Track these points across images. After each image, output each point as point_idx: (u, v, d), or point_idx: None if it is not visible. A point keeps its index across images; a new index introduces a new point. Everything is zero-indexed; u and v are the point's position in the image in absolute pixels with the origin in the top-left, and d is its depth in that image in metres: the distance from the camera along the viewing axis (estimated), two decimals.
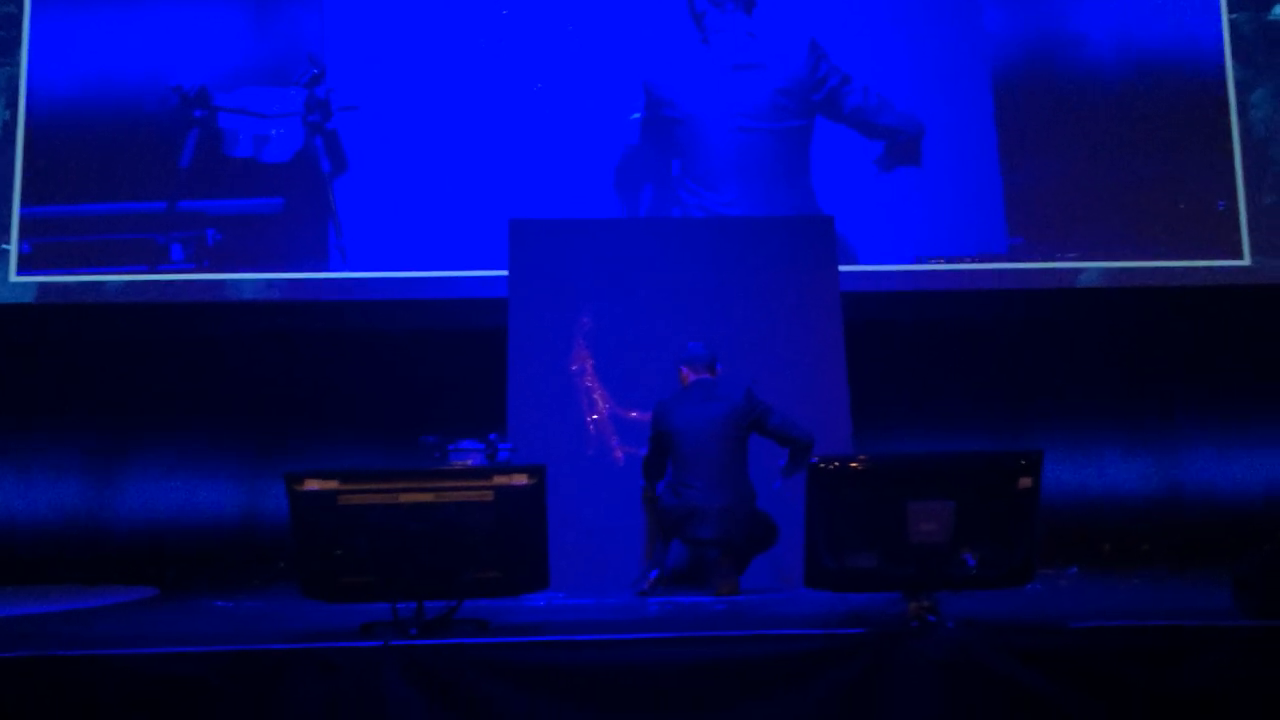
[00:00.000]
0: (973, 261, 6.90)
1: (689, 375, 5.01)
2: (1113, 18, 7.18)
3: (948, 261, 6.89)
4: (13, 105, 6.88)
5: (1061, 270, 6.93)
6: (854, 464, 3.49)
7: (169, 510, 6.68)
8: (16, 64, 6.90)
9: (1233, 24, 7.22)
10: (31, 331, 6.77)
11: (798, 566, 3.57)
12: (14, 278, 6.76)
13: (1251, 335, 7.02)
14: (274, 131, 6.89)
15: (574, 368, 5.46)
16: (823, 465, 3.44)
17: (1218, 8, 7.20)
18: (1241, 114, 7.14)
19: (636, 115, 6.91)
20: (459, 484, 3.51)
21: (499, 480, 3.50)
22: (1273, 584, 3.31)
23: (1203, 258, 6.97)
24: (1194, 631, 3.21)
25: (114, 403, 6.77)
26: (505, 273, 5.75)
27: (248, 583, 5.71)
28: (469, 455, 5.05)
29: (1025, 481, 3.46)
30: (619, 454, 5.35)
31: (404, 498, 3.43)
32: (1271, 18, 7.24)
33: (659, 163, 6.89)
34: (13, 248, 6.76)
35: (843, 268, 5.81)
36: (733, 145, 6.88)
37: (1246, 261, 7.00)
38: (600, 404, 5.42)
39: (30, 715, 3.11)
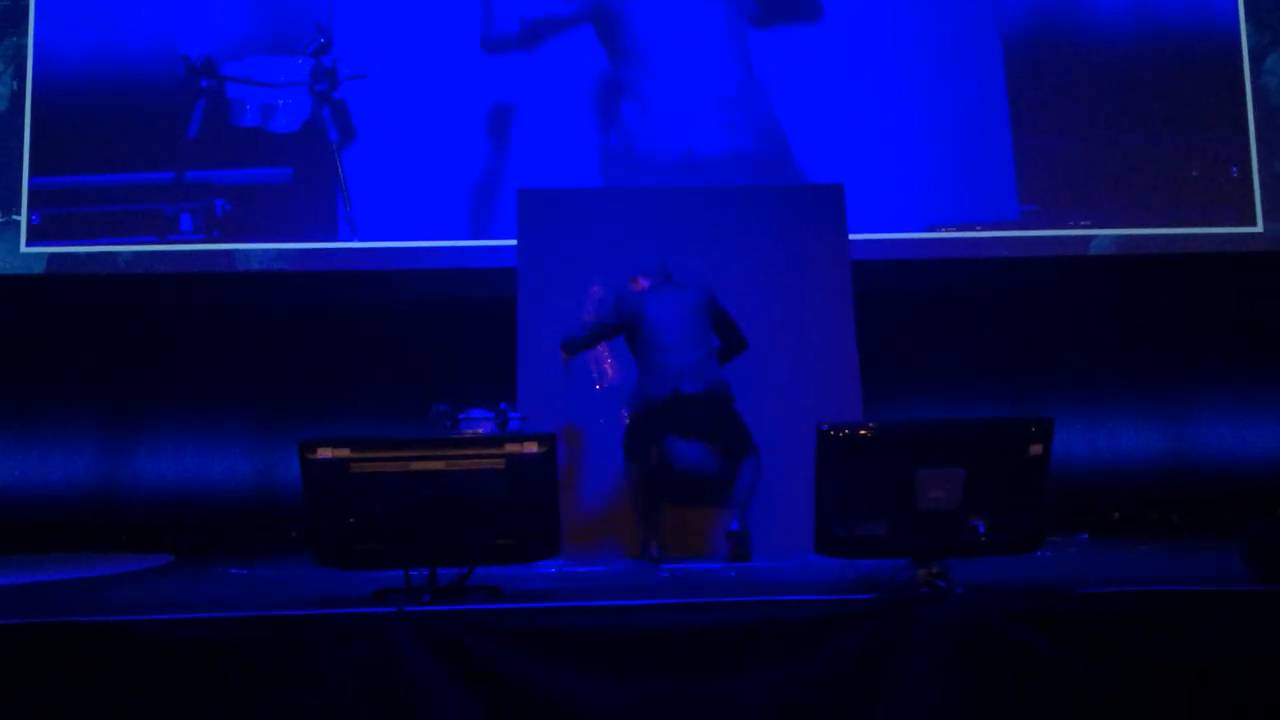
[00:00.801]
0: (984, 229, 6.87)
1: (644, 282, 5.10)
2: None
3: (958, 229, 6.86)
4: (20, 76, 6.87)
5: (1073, 238, 6.89)
6: (863, 431, 3.50)
7: (182, 479, 6.72)
8: (24, 34, 6.88)
9: None
10: (42, 302, 6.79)
11: (807, 534, 3.58)
12: (24, 249, 6.77)
13: (1264, 302, 6.98)
14: (281, 101, 6.87)
15: None
16: (832, 432, 3.44)
17: None
18: (1255, 80, 7.07)
19: None
20: (471, 452, 3.53)
21: (511, 448, 3.52)
22: None
23: (1216, 224, 6.93)
24: (1204, 596, 3.21)
25: (125, 373, 6.80)
26: (515, 242, 5.74)
27: (262, 550, 5.76)
28: (480, 424, 5.06)
29: (1035, 449, 3.46)
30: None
31: (416, 465, 3.45)
32: None
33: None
34: (22, 219, 6.77)
35: (853, 236, 5.77)
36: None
37: (1259, 228, 6.95)
38: (609, 373, 5.42)
39: (45, 681, 3.15)
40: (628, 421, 5.04)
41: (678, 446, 5.12)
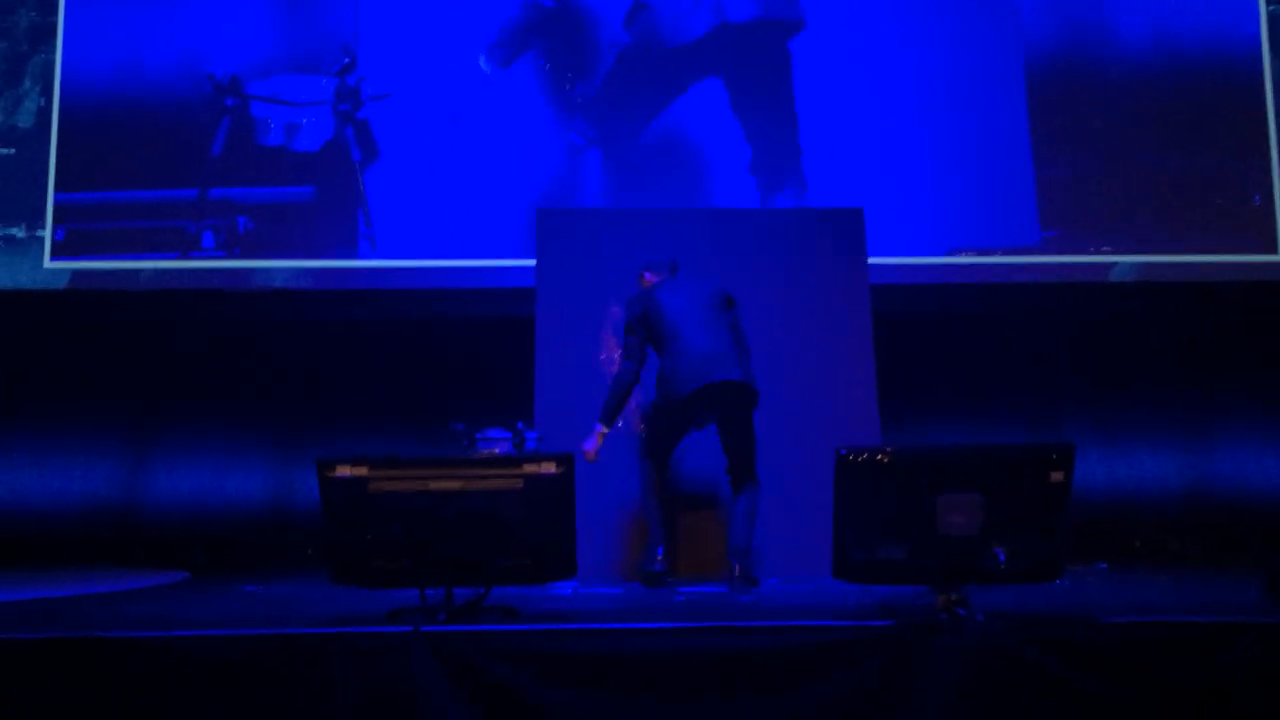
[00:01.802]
0: (1004, 254, 6.85)
1: (652, 278, 5.05)
2: (1148, 9, 7.11)
3: (979, 254, 6.85)
4: (48, 93, 6.95)
5: (1094, 264, 6.87)
6: (882, 456, 3.47)
7: (200, 496, 6.74)
8: (52, 51, 6.97)
9: (1271, 16, 7.13)
10: (65, 318, 6.85)
11: (822, 557, 3.56)
12: (48, 264, 6.83)
13: None
14: (305, 120, 6.93)
15: (602, 357, 5.46)
16: (851, 457, 3.42)
17: None
18: (1277, 107, 7.05)
19: None
20: (489, 472, 3.52)
21: (528, 468, 3.51)
22: None
23: (1237, 252, 6.90)
24: (1226, 626, 3.17)
25: (146, 389, 6.84)
26: (534, 262, 5.76)
27: (278, 568, 5.76)
28: (497, 444, 5.07)
29: (1057, 475, 3.43)
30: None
31: (434, 485, 3.45)
32: None
33: None
34: (47, 234, 6.83)
35: (872, 260, 5.77)
36: None
37: None
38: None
39: (59, 696, 3.15)
40: (651, 415, 4.93)
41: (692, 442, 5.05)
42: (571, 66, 6.97)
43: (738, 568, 4.59)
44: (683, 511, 5.20)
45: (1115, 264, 6.87)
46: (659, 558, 4.78)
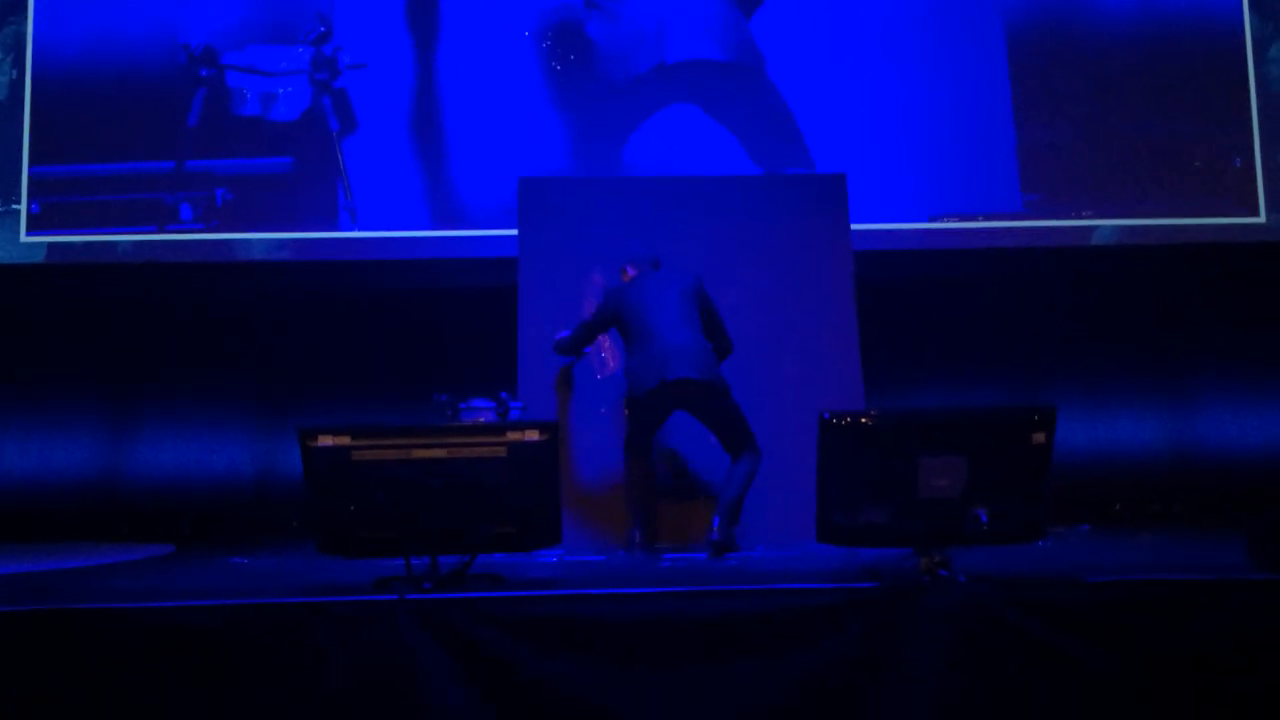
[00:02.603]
0: (986, 219, 6.85)
1: (632, 272, 5.06)
2: None
3: (961, 219, 6.85)
4: (20, 64, 6.84)
5: (1076, 228, 6.87)
6: (865, 419, 3.48)
7: (182, 469, 6.71)
8: (23, 22, 6.86)
9: None
10: (42, 291, 6.78)
11: (806, 522, 3.58)
12: (24, 238, 6.76)
13: (1267, 292, 6.97)
14: (281, 90, 6.85)
15: None
16: (834, 420, 3.43)
17: None
18: (1259, 69, 7.05)
19: None
20: (473, 440, 3.51)
21: (512, 436, 3.50)
22: None
23: (1218, 215, 6.92)
24: (1208, 585, 3.20)
25: (125, 362, 6.79)
26: (515, 232, 5.73)
27: (262, 540, 5.75)
28: (480, 414, 5.05)
29: (1038, 437, 3.45)
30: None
31: (417, 453, 3.44)
32: None
33: None
34: (22, 208, 6.76)
35: (854, 226, 5.76)
36: None
37: (1262, 219, 6.94)
38: (610, 362, 5.41)
39: (45, 668, 3.14)
40: (626, 409, 4.99)
41: (680, 440, 5.09)
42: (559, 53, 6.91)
43: (718, 525, 4.63)
44: (669, 500, 5.20)
45: (1097, 228, 6.88)
46: (636, 541, 4.83)
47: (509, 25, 6.89)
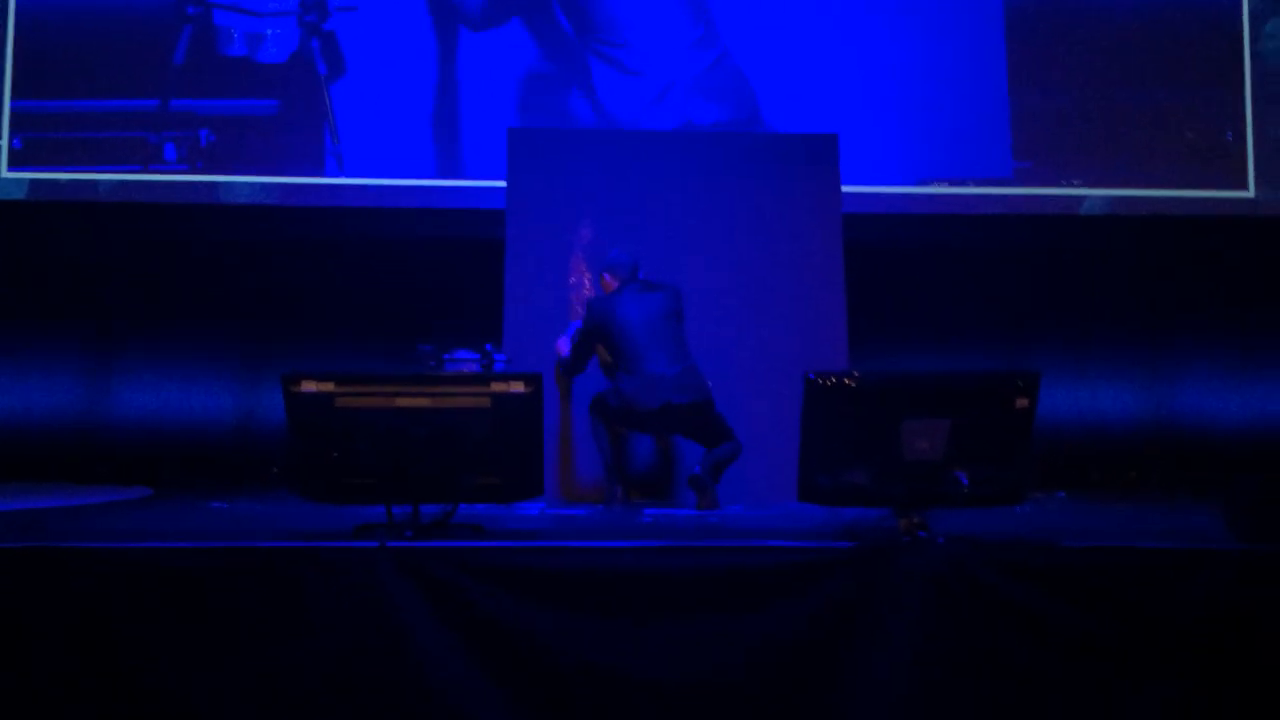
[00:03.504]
0: (976, 185, 6.83)
1: (612, 282, 5.00)
2: None
3: (951, 184, 6.83)
4: None
5: (1065, 197, 6.87)
6: (849, 380, 3.49)
7: (163, 412, 6.68)
8: None
9: None
10: (23, 228, 6.70)
11: (788, 482, 3.59)
12: (5, 173, 6.66)
13: (1252, 267, 7.00)
14: (269, 31, 6.75)
15: (571, 280, 5.42)
16: (819, 381, 3.43)
17: None
18: (1255, 44, 7.03)
19: None
20: (457, 390, 3.51)
21: (496, 387, 3.50)
22: (1266, 509, 3.33)
23: (1208, 188, 6.92)
24: (1185, 553, 3.24)
25: (107, 303, 6.74)
26: (504, 183, 5.68)
27: (243, 485, 5.74)
28: (464, 365, 5.04)
29: (1022, 402, 3.46)
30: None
31: (401, 402, 3.43)
32: None
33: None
34: (3, 143, 6.65)
35: (845, 188, 5.74)
36: None
37: (1251, 193, 6.95)
38: None
39: (22, 606, 3.13)
40: (611, 404, 4.88)
41: (650, 454, 5.20)
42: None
43: (700, 466, 4.70)
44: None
45: (1086, 197, 6.88)
46: (617, 497, 4.86)
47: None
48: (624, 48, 6.71)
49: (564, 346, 5.06)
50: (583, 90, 6.73)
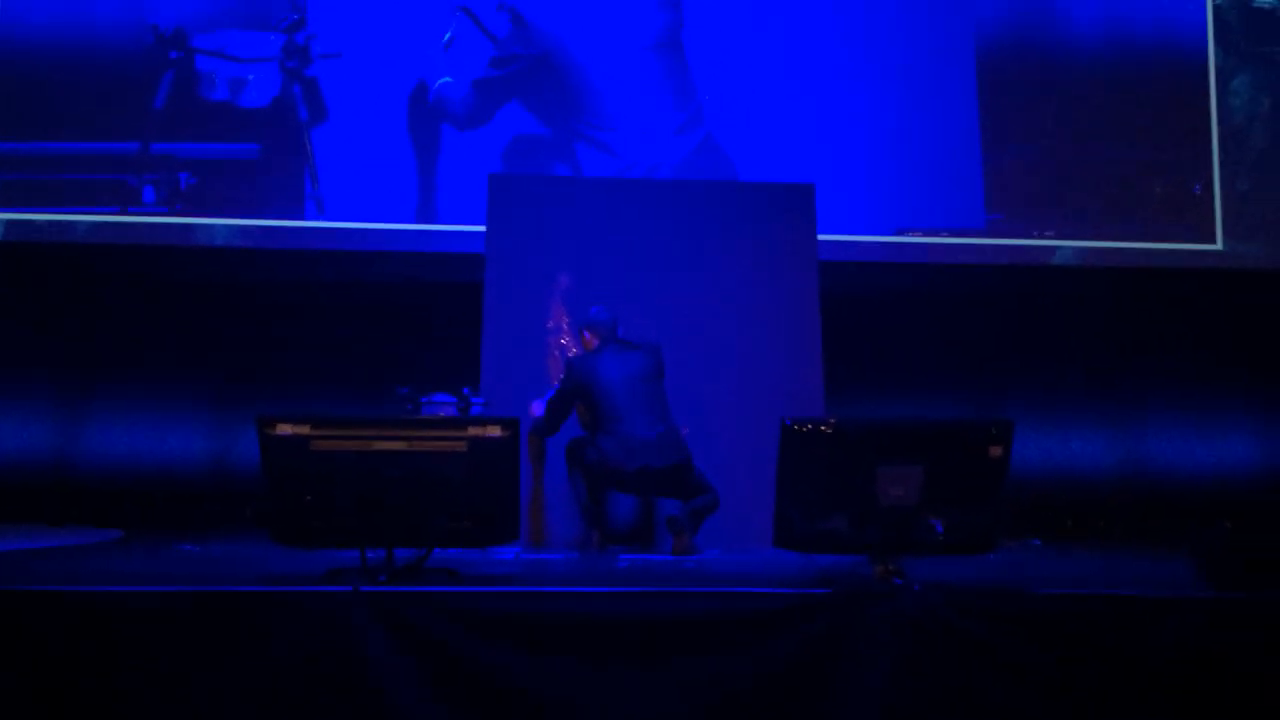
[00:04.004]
0: (950, 235, 6.93)
1: (593, 340, 5.00)
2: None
3: (925, 234, 6.92)
4: None
5: (1037, 248, 6.97)
6: (824, 427, 3.51)
7: (137, 454, 6.62)
8: None
9: (1216, 10, 7.26)
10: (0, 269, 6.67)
11: (764, 527, 3.60)
12: None
13: (1220, 318, 7.11)
14: (251, 76, 6.79)
15: (549, 326, 5.43)
16: (795, 427, 3.45)
17: None
18: (1221, 100, 7.19)
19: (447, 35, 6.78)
20: (433, 433, 3.50)
21: (473, 431, 3.50)
22: (1234, 558, 3.37)
23: (1177, 240, 7.04)
24: (1156, 601, 3.26)
25: (82, 344, 6.70)
26: (483, 228, 5.71)
27: (216, 528, 5.69)
28: (442, 409, 5.04)
29: (995, 450, 3.50)
30: None
31: (377, 445, 3.42)
32: (1255, 5, 7.27)
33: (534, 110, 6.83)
34: None
35: (821, 237, 5.81)
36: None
37: (1219, 246, 7.07)
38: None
39: None
40: (589, 460, 4.85)
41: (630, 509, 5.19)
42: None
43: (680, 510, 4.72)
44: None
45: (1058, 248, 6.98)
46: (592, 543, 4.87)
47: (482, 18, 6.87)
48: (610, 132, 6.79)
49: (538, 408, 5.03)
50: (568, 166, 6.80)
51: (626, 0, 6.88)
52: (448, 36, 6.65)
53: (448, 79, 6.75)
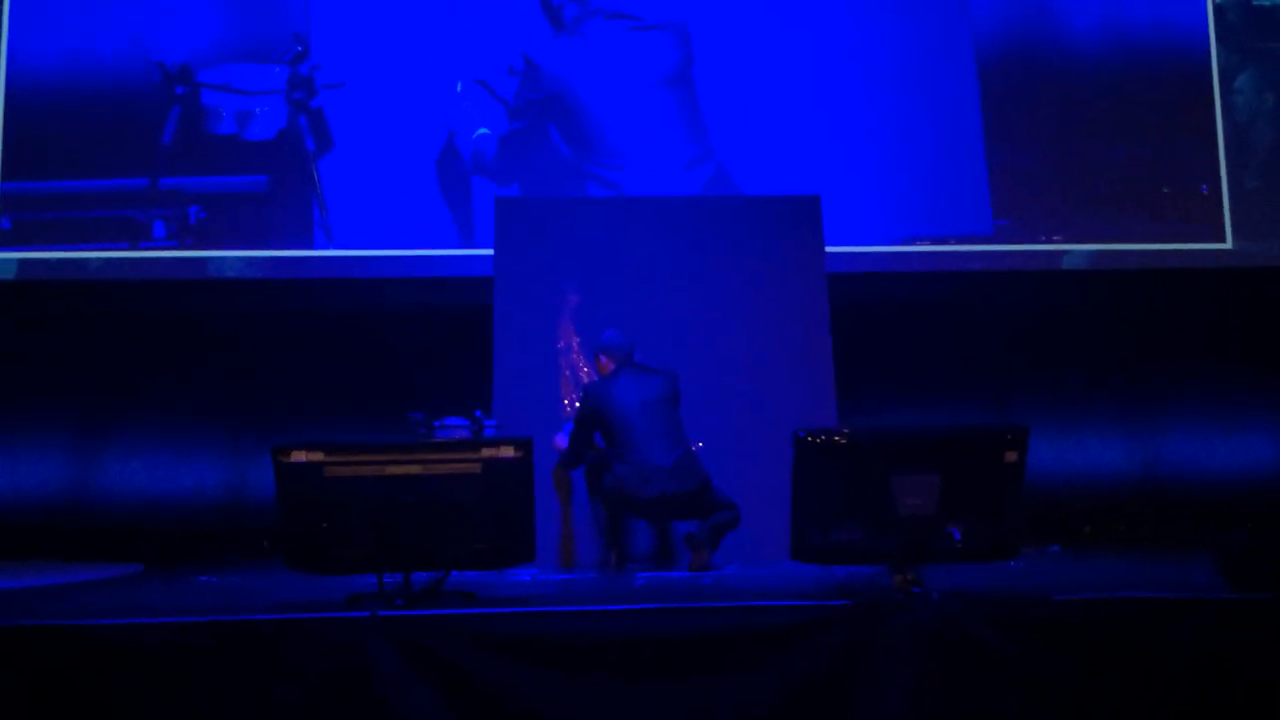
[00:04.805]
0: (958, 243, 6.92)
1: (608, 364, 5.00)
2: (1098, 1, 7.20)
3: (933, 242, 6.91)
4: None
5: (1046, 252, 6.95)
6: (839, 438, 3.50)
7: (153, 487, 6.63)
8: None
9: (1217, 9, 7.25)
10: (13, 308, 6.71)
11: (781, 541, 3.59)
12: None
13: (1232, 318, 7.07)
14: (257, 109, 6.84)
15: (560, 345, 5.45)
16: (809, 438, 3.45)
17: None
18: (1225, 98, 7.18)
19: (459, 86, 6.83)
20: (446, 456, 3.51)
21: (486, 453, 3.50)
22: (1254, 560, 3.35)
23: (1186, 240, 7.01)
24: (1178, 604, 3.23)
25: (97, 380, 6.72)
26: (491, 251, 5.73)
27: (233, 560, 5.70)
28: (455, 432, 5.04)
29: (1011, 456, 3.48)
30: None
31: (391, 470, 3.43)
32: (1256, 2, 7.26)
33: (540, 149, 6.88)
34: None
35: (829, 248, 5.81)
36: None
37: (1229, 245, 7.04)
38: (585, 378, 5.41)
39: (10, 686, 3.09)
40: (607, 486, 4.86)
41: (648, 532, 5.17)
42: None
43: (698, 528, 4.69)
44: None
45: (1067, 252, 6.96)
46: (610, 564, 4.88)
47: (486, 43, 6.91)
48: (620, 171, 6.80)
49: (562, 441, 5.03)
50: None
51: (636, 38, 6.91)
52: (460, 87, 6.70)
53: (485, 131, 6.79)
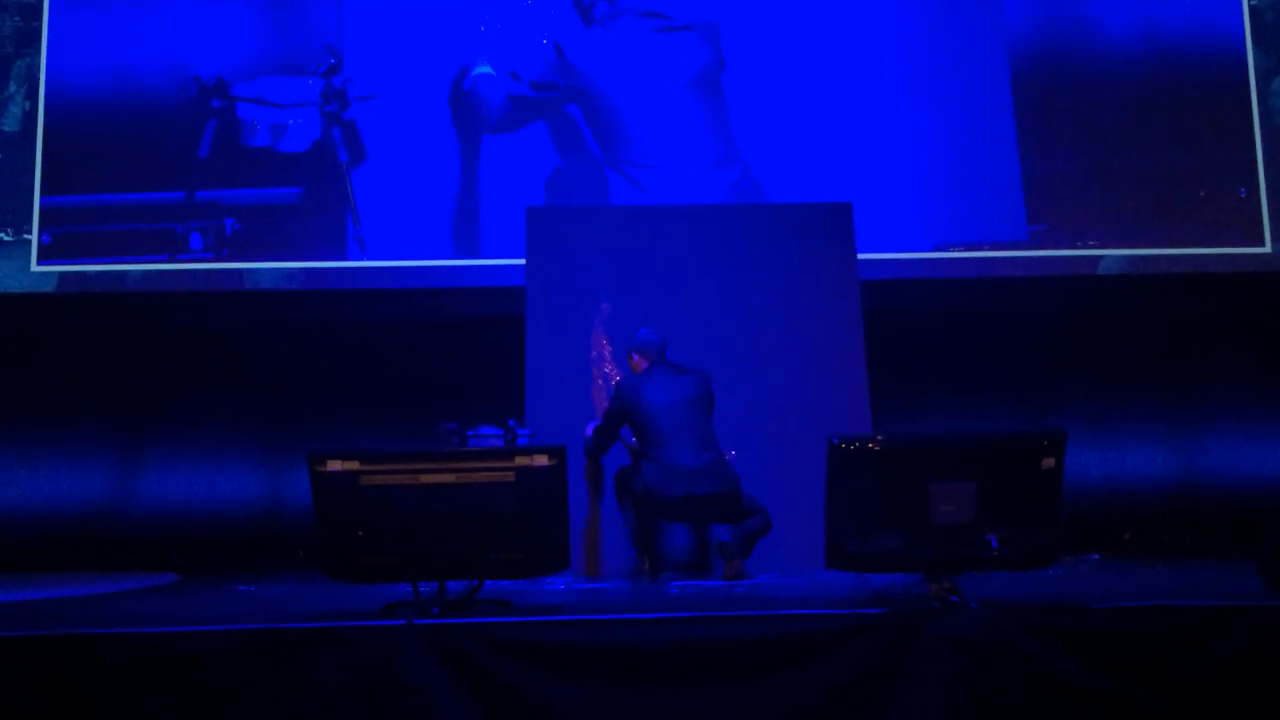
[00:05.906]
0: (992, 249, 6.87)
1: (641, 362, 4.99)
2: (1132, 4, 7.14)
3: (967, 249, 6.86)
4: (33, 96, 6.92)
5: (1082, 258, 6.89)
6: (874, 445, 3.48)
7: (191, 497, 6.70)
8: (37, 54, 6.94)
9: (1253, 11, 7.18)
10: (52, 321, 6.81)
11: (816, 549, 3.57)
12: (35, 267, 6.80)
13: (1271, 321, 6.97)
14: (291, 121, 6.91)
15: (592, 354, 5.45)
16: (843, 446, 3.42)
17: None
18: (1262, 101, 7.10)
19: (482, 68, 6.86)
20: (481, 465, 3.51)
21: (520, 461, 3.50)
22: None
23: (1223, 244, 6.93)
24: (1221, 611, 3.18)
25: (135, 391, 6.81)
26: (523, 260, 5.75)
27: (270, 569, 5.73)
28: (488, 441, 5.06)
29: (1048, 462, 3.44)
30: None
31: (426, 478, 3.43)
32: None
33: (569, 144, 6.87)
34: (33, 238, 6.80)
35: (862, 256, 5.79)
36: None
37: (1267, 248, 6.95)
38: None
39: (46, 694, 3.12)
40: (636, 491, 4.84)
41: (684, 536, 5.15)
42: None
43: (730, 534, 4.67)
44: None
45: (1103, 257, 6.90)
46: (644, 571, 4.86)
47: (517, 52, 6.95)
48: (646, 169, 6.81)
49: (591, 429, 5.06)
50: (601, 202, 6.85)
51: (666, 38, 6.92)
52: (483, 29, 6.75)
53: (487, 69, 6.80)
